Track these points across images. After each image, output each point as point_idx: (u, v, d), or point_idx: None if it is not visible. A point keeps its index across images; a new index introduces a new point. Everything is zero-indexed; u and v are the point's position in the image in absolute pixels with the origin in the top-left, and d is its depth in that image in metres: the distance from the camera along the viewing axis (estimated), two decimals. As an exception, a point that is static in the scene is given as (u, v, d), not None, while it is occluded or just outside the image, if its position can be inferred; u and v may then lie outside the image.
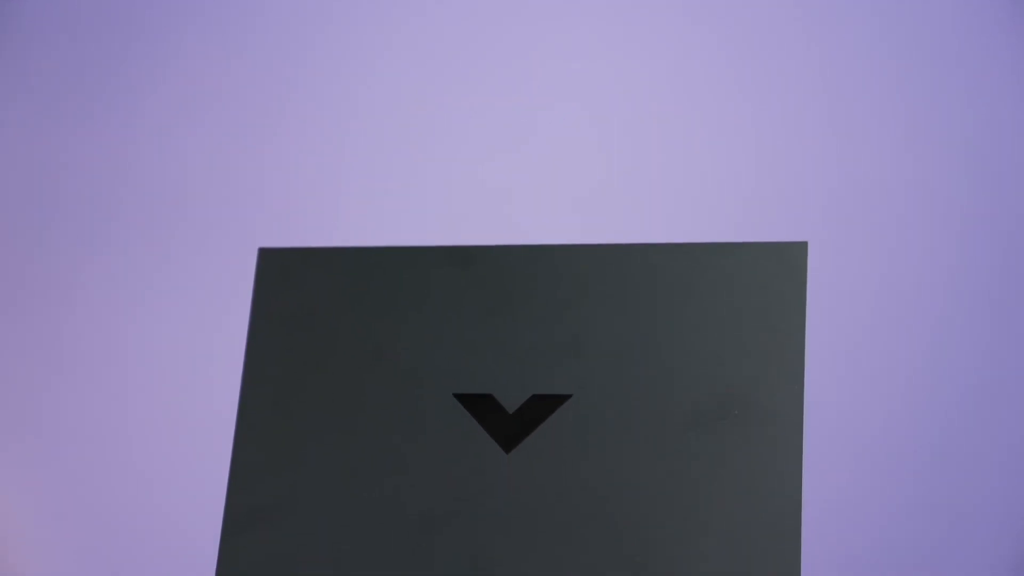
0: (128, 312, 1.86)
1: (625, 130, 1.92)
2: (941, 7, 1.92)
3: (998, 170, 1.91)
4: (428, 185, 1.90)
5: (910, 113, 1.93)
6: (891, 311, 1.90)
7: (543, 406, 0.98)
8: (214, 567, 0.97)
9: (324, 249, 1.05)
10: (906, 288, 1.90)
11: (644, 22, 1.94)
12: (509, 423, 0.98)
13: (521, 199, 1.90)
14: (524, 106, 1.93)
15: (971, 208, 1.91)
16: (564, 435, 0.97)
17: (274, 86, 1.91)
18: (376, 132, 1.91)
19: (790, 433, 0.94)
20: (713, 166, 1.92)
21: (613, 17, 1.94)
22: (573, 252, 1.02)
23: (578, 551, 0.94)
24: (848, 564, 1.84)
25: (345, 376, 1.01)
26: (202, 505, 1.57)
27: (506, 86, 1.93)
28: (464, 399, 0.99)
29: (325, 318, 1.02)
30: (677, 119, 1.94)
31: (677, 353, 0.97)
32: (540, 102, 1.93)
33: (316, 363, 1.01)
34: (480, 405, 0.98)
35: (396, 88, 1.92)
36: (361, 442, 0.99)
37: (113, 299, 1.86)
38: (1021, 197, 1.91)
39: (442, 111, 1.92)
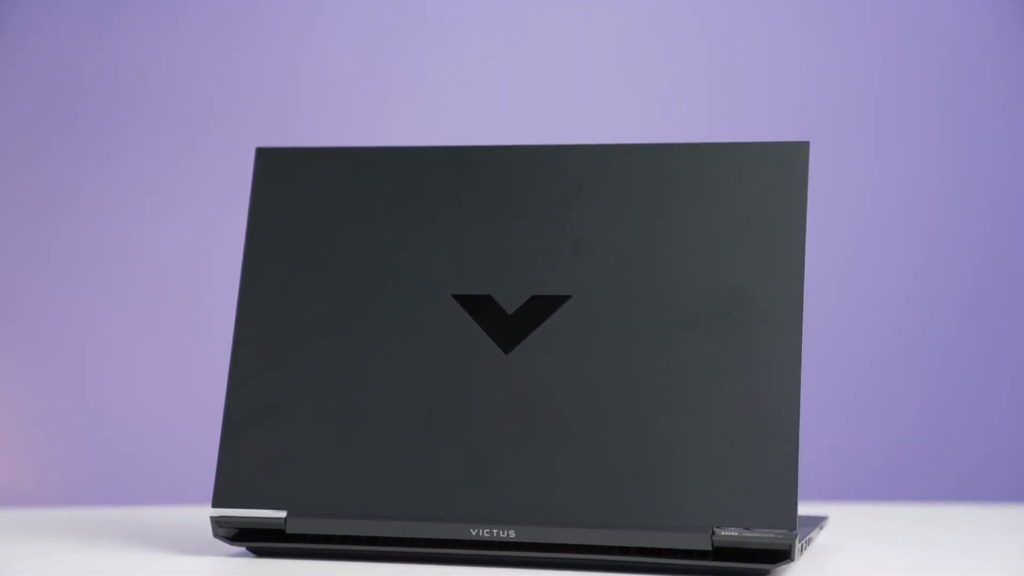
0: (127, 212, 1.85)
1: (626, 30, 1.91)
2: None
3: (1002, 72, 1.90)
4: (428, 85, 1.89)
5: (914, 15, 1.91)
6: (892, 211, 1.90)
7: (542, 307, 0.97)
8: (215, 464, 0.98)
9: (322, 149, 1.04)
10: (907, 188, 1.90)
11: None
12: (508, 323, 0.97)
13: (521, 100, 1.89)
14: (525, 7, 1.91)
15: (973, 109, 1.90)
16: (563, 336, 0.96)
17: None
18: (376, 32, 1.89)
19: (789, 333, 0.93)
20: (714, 65, 1.91)
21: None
22: (573, 152, 1.01)
23: (576, 450, 0.94)
24: (845, 462, 1.85)
25: (344, 277, 1.00)
26: (203, 404, 1.58)
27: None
28: (463, 300, 0.99)
29: (324, 219, 1.02)
30: (679, 19, 1.92)
31: (677, 254, 0.97)
32: (542, 3, 1.91)
33: (315, 264, 1.01)
34: (479, 306, 0.98)
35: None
36: (360, 342, 0.99)
37: (112, 200, 1.85)
38: (1021, 98, 1.90)
39: (443, 11, 1.90)
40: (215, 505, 0.97)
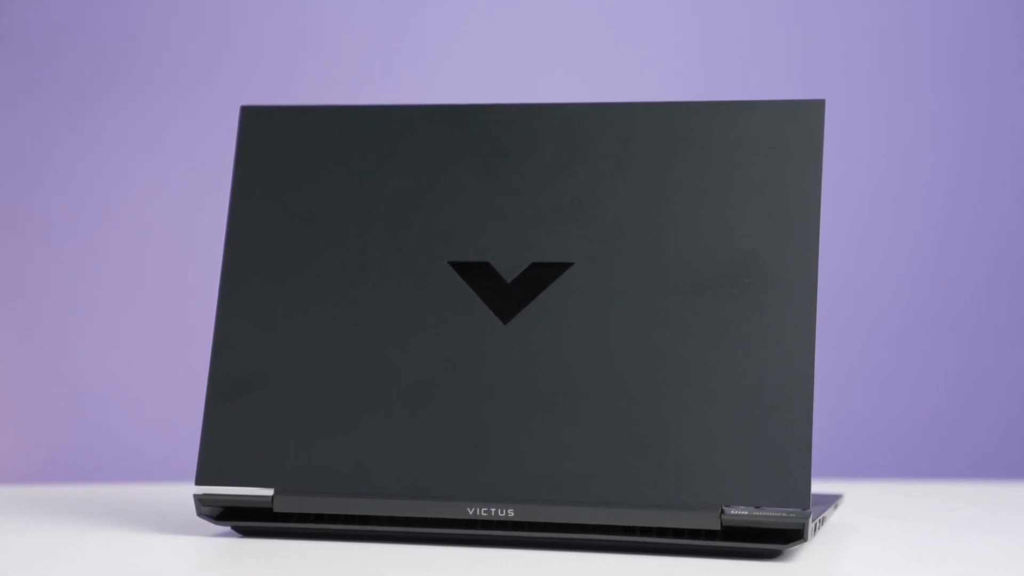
0: (106, 176, 1.82)
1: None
2: None
3: (1017, 24, 1.88)
4: (423, 41, 1.86)
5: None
6: (908, 172, 1.87)
7: (543, 274, 0.95)
8: (198, 436, 0.95)
9: (311, 107, 1.00)
10: (924, 149, 1.87)
11: None
12: (507, 292, 0.95)
13: (521, 55, 1.86)
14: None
15: (990, 65, 1.87)
16: (564, 305, 0.94)
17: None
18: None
19: (802, 302, 0.90)
20: (725, 21, 1.88)
21: None
22: (576, 111, 0.98)
23: (578, 425, 0.91)
24: (860, 438, 1.84)
25: (334, 242, 0.97)
26: (186, 375, 1.55)
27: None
28: (460, 267, 0.96)
29: (312, 181, 0.99)
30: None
31: (685, 218, 0.94)
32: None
33: (303, 228, 0.98)
34: (477, 273, 0.95)
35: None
36: (351, 311, 0.96)
37: (91, 163, 1.82)
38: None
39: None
40: (199, 482, 0.94)
